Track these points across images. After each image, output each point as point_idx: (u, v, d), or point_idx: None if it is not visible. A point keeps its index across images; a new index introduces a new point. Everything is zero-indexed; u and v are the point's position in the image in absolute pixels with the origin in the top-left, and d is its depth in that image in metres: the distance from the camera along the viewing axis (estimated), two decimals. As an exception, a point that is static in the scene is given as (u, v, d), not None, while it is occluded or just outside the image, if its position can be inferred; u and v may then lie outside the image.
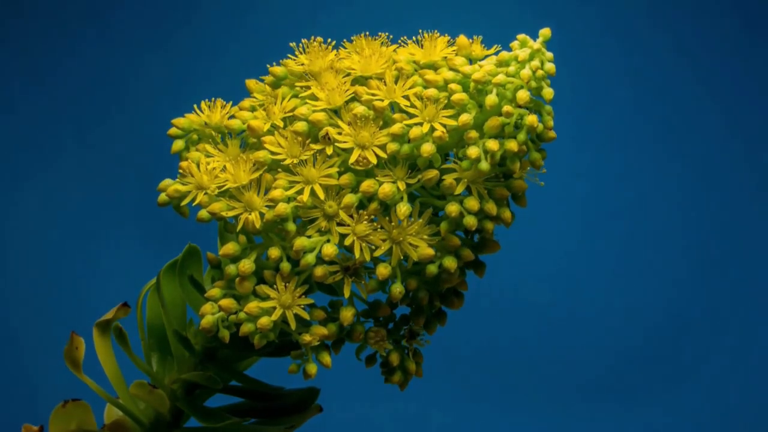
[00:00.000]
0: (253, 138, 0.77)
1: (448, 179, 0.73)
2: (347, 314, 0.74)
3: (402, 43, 0.79)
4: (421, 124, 0.72)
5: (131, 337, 0.83)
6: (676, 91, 1.56)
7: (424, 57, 0.76)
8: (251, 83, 0.81)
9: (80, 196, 1.52)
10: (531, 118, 0.73)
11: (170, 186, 0.76)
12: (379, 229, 0.72)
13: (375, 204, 0.72)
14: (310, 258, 0.72)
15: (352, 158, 0.72)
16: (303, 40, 0.80)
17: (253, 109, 0.78)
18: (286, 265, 0.72)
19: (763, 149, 1.56)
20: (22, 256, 1.51)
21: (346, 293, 0.74)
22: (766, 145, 1.56)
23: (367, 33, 0.80)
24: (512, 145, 0.73)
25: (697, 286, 1.53)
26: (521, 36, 0.75)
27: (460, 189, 0.73)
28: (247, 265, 0.73)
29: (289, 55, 0.80)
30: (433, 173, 0.73)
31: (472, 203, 0.73)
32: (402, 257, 0.73)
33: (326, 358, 0.75)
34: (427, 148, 0.72)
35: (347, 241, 0.72)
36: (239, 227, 0.73)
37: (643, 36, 1.56)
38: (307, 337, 0.74)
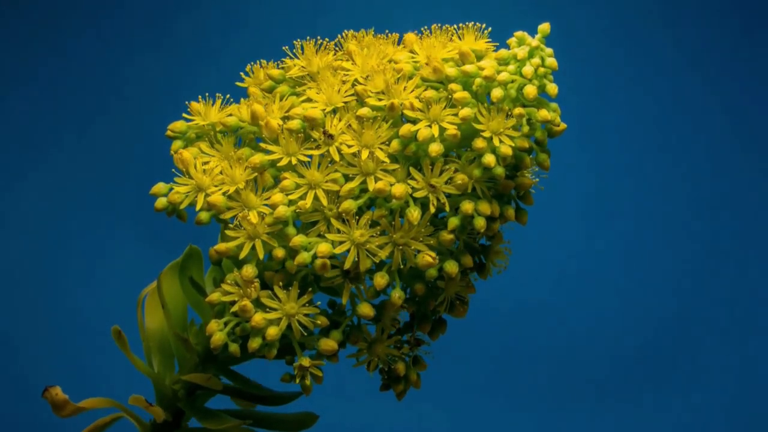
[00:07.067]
0: (253, 126, 0.76)
1: (460, 178, 0.72)
2: (366, 310, 0.74)
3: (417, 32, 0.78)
4: (429, 126, 0.72)
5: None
6: (680, 87, 1.56)
7: (425, 58, 0.76)
8: (250, 82, 0.81)
9: (79, 196, 1.52)
10: (542, 113, 0.72)
11: (171, 193, 0.75)
12: (377, 235, 0.72)
13: (382, 210, 0.72)
14: (306, 256, 0.71)
15: (363, 156, 0.72)
16: (296, 42, 0.80)
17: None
18: (291, 264, 0.72)
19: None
20: (21, 257, 1.50)
21: (345, 298, 0.73)
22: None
23: (372, 29, 0.80)
24: (524, 143, 0.72)
25: (703, 287, 1.52)
26: (519, 33, 0.75)
27: (470, 187, 0.72)
28: (249, 270, 0.73)
29: (286, 59, 0.80)
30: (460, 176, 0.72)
31: (484, 206, 0.73)
32: (401, 262, 0.72)
33: (319, 374, 0.74)
34: (436, 148, 0.71)
35: (342, 248, 0.71)
36: (235, 223, 0.73)
37: (646, 31, 1.56)
38: (305, 362, 0.73)
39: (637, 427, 1.50)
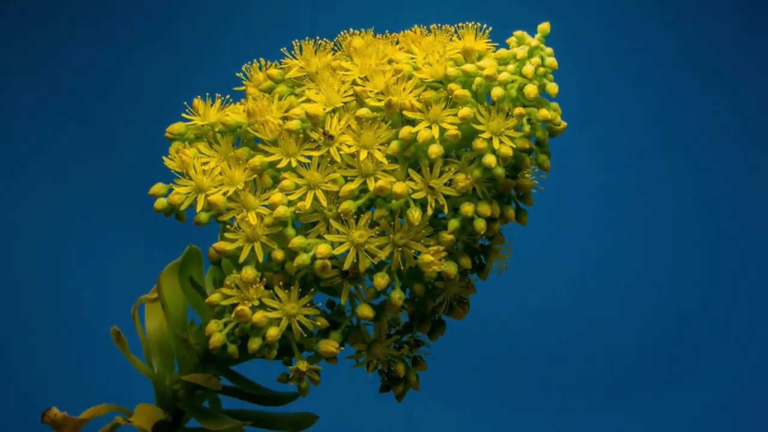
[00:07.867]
0: (251, 123, 0.76)
1: (462, 179, 0.72)
2: (366, 311, 0.74)
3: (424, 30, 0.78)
4: (429, 126, 0.72)
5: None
6: (681, 85, 1.56)
7: (425, 58, 0.76)
8: (249, 85, 0.81)
9: (79, 196, 1.52)
10: (543, 113, 0.72)
11: (171, 194, 0.75)
12: (377, 235, 0.72)
13: (383, 210, 0.72)
14: (306, 258, 0.71)
15: (362, 156, 0.72)
16: (295, 42, 0.80)
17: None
18: (290, 265, 0.72)
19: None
20: (21, 257, 1.50)
21: (343, 299, 0.73)
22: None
23: (372, 29, 0.80)
24: (524, 143, 0.72)
25: (703, 287, 1.52)
26: (518, 33, 0.74)
27: (470, 188, 0.72)
28: (249, 272, 0.73)
29: (285, 60, 0.80)
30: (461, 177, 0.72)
31: (485, 207, 0.72)
32: (401, 263, 0.72)
33: (316, 378, 0.74)
34: (435, 150, 0.71)
35: (341, 249, 0.71)
36: (234, 225, 0.73)
37: (646, 29, 1.56)
38: (302, 366, 0.73)
39: (637, 427, 1.49)
